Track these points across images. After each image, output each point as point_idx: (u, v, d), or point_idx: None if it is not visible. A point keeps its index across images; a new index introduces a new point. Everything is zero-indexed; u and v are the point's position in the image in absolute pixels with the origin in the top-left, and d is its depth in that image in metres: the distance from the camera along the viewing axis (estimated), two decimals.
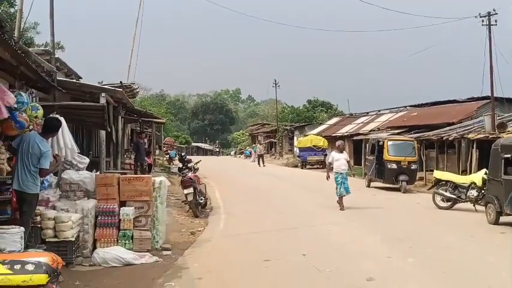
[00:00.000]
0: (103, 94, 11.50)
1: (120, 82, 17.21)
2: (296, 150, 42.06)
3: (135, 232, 8.74)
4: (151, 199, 9.02)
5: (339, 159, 14.69)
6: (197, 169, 16.13)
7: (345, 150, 16.32)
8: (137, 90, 21.86)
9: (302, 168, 36.20)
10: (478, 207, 13.68)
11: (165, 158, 37.38)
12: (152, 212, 9.02)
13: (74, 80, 14.07)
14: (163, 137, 44.71)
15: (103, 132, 12.43)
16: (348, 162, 14.87)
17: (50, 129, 7.58)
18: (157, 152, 35.65)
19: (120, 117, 16.10)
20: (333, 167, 14.82)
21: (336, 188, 14.53)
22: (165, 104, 70.97)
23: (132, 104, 19.50)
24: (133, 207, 8.81)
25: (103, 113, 10.61)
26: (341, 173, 14.51)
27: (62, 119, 8.67)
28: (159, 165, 29.60)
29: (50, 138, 8.25)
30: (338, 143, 15.77)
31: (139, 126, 27.53)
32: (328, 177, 15.05)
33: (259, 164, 38.54)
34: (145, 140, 33.25)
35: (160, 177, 10.13)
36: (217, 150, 73.91)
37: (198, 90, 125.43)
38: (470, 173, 18.51)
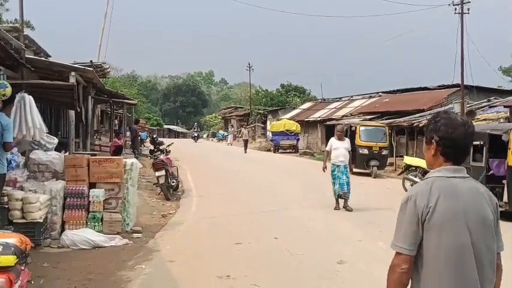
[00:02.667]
0: (73, 73, 11.17)
1: (91, 61, 16.80)
2: (269, 134, 42.07)
3: (105, 214, 8.61)
4: (122, 181, 8.89)
5: (338, 148, 12.01)
6: (169, 151, 15.98)
7: (347, 137, 13.54)
8: (108, 70, 21.41)
9: (275, 152, 36.29)
10: None
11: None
12: (123, 194, 8.90)
13: (43, 58, 13.69)
14: (134, 118, 44.17)
15: (72, 113, 12.14)
16: (349, 152, 12.22)
17: (6, 101, 7.41)
18: (128, 133, 35.21)
19: (90, 97, 15.74)
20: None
21: (332, 185, 11.99)
22: (137, 85, 70.07)
23: (103, 84, 19.11)
24: (103, 189, 8.67)
25: (72, 93, 10.35)
26: (338, 165, 11.89)
27: (31, 98, 8.43)
28: (130, 147, 29.20)
29: (18, 118, 8.04)
30: (338, 127, 12.93)
31: (110, 107, 27.08)
32: (324, 168, 12.46)
33: (245, 150, 35.55)
34: (116, 122, 32.91)
35: (132, 159, 9.99)
36: (196, 134, 55.94)
37: (170, 71, 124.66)
38: None
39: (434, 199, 2.36)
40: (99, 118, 32.47)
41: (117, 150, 17.64)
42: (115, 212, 8.74)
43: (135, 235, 8.76)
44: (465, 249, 2.33)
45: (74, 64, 12.70)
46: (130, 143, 22.43)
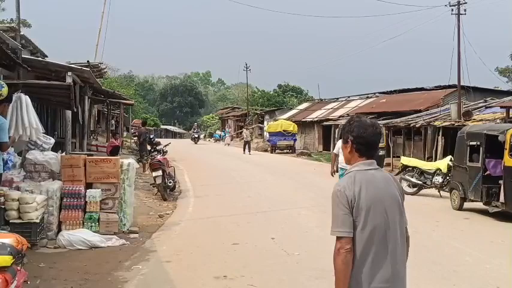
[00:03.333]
0: (69, 73, 11.17)
1: (88, 61, 16.82)
2: (266, 134, 42.05)
3: (101, 215, 8.60)
4: (119, 181, 8.88)
5: None
6: (166, 152, 15.97)
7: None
8: (105, 70, 21.43)
9: (272, 152, 36.27)
10: (442, 193, 13.98)
11: (133, 140, 36.90)
12: (120, 195, 8.89)
13: (40, 58, 13.67)
14: (131, 118, 44.13)
15: (69, 113, 12.12)
16: None
17: (2, 101, 7.42)
18: (125, 134, 35.16)
19: (86, 97, 15.75)
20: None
21: None
22: (134, 85, 69.95)
23: (100, 84, 19.11)
24: (100, 190, 8.66)
25: (69, 93, 10.35)
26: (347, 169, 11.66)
27: (27, 98, 8.42)
28: (127, 148, 29.16)
29: (15, 118, 8.03)
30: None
31: (107, 107, 27.05)
32: (333, 172, 11.70)
33: (244, 151, 34.03)
34: (113, 122, 32.87)
35: (129, 159, 9.98)
36: (196, 135, 49.63)
37: (167, 72, 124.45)
38: (435, 159, 18.87)
39: (358, 189, 2.87)
40: (96, 118, 32.44)
41: (114, 151, 17.62)
42: (112, 212, 8.74)
43: (131, 235, 8.76)
44: (385, 226, 2.88)
45: (70, 64, 12.70)
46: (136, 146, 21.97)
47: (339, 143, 10.98)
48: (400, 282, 2.96)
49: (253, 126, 50.82)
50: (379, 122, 24.56)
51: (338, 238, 2.84)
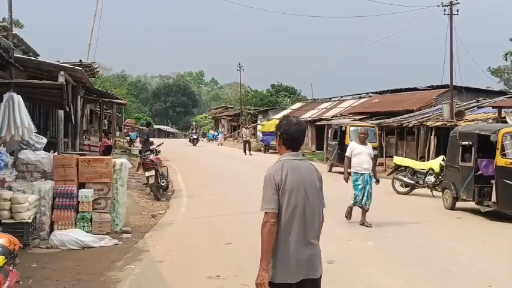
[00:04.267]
0: (62, 72, 11.08)
1: (80, 61, 16.72)
2: (259, 134, 42.01)
3: (94, 214, 8.58)
4: (112, 181, 8.86)
5: (361, 154, 10.18)
6: (159, 151, 15.92)
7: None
8: (97, 69, 21.29)
9: (265, 152, 36.23)
10: (435, 192, 14.04)
11: (125, 140, 36.81)
12: (112, 195, 8.87)
13: (32, 58, 13.58)
14: (124, 118, 44.01)
15: (61, 112, 12.04)
16: (372, 158, 10.36)
17: None
18: (117, 133, 35.05)
19: (79, 97, 15.66)
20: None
21: (354, 194, 10.19)
22: (127, 84, 69.71)
23: (92, 84, 19.02)
24: (92, 189, 8.64)
25: (61, 92, 10.29)
26: (362, 174, 10.11)
27: (19, 97, 8.37)
28: (120, 147, 29.08)
29: (7, 118, 7.98)
30: (362, 130, 11.37)
31: (99, 107, 26.94)
32: (347, 178, 10.56)
33: (245, 151, 32.90)
34: (106, 121, 32.76)
35: (121, 159, 9.95)
36: (195, 137, 43.19)
37: (160, 71, 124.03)
38: (428, 159, 18.93)
39: (285, 174, 3.52)
40: (89, 118, 32.27)
41: (107, 150, 17.55)
42: (104, 212, 8.71)
43: (124, 235, 8.74)
44: (304, 205, 3.54)
45: (63, 63, 12.63)
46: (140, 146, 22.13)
47: (352, 144, 10.49)
48: (315, 250, 3.63)
49: (252, 125, 47.81)
50: (372, 122, 24.75)
51: (266, 213, 3.53)
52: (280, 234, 3.53)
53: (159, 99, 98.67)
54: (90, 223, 8.50)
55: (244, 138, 34.75)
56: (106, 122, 33.02)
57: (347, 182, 10.43)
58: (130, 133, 41.94)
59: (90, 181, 8.72)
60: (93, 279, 6.36)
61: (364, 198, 10.04)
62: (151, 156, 14.31)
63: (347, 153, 10.49)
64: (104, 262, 7.12)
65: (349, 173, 10.44)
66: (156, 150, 15.63)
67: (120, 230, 8.97)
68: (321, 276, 3.67)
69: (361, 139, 10.45)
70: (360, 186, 10.04)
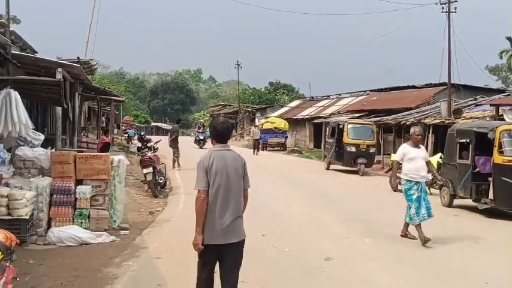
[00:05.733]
0: (59, 69, 11.05)
1: (78, 58, 16.68)
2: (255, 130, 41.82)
3: (91, 211, 8.57)
4: (109, 178, 8.85)
5: (416, 158, 8.68)
6: (157, 149, 15.91)
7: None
8: (95, 66, 21.28)
9: (263, 150, 36.21)
10: (432, 190, 14.05)
11: (123, 137, 36.78)
12: (110, 191, 8.86)
13: (29, 54, 13.54)
14: (122, 115, 43.95)
15: (59, 109, 12.02)
16: (427, 163, 8.91)
17: None
18: (115, 130, 35.01)
19: (77, 94, 15.62)
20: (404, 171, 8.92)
21: (408, 208, 8.69)
22: (125, 82, 69.66)
23: (90, 81, 18.98)
24: (90, 186, 8.63)
25: (59, 89, 10.25)
26: (418, 182, 8.61)
27: (16, 94, 8.35)
28: (118, 144, 29.04)
29: (4, 114, 7.96)
30: (416, 129, 9.09)
31: (97, 104, 26.91)
32: (396, 187, 9.38)
33: (254, 151, 30.75)
34: (104, 119, 32.72)
35: (119, 156, 9.93)
36: (202, 137, 35.09)
37: (158, 69, 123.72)
38: None
39: (211, 161, 4.51)
40: (87, 115, 32.22)
41: (105, 148, 17.52)
42: (102, 209, 8.70)
43: (122, 232, 8.73)
44: (226, 185, 4.49)
45: (61, 60, 12.60)
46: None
47: (405, 148, 8.91)
48: (238, 222, 4.56)
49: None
50: (369, 119, 24.77)
51: (198, 191, 4.47)
52: (208, 207, 4.46)
53: (157, 96, 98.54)
54: (87, 220, 8.50)
55: (253, 138, 32.50)
56: (104, 119, 32.99)
57: (395, 190, 9.19)
58: (128, 130, 41.93)
59: (87, 178, 8.71)
60: (91, 276, 6.35)
61: (423, 210, 8.48)
62: (149, 154, 14.31)
63: (397, 157, 9.06)
64: (101, 258, 7.11)
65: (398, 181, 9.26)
66: (153, 147, 15.63)
67: (118, 226, 8.96)
68: (243, 240, 4.62)
69: (415, 141, 8.84)
70: (414, 197, 8.54)
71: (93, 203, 8.64)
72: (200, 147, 34.39)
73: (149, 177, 13.16)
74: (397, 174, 9.34)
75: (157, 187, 13.50)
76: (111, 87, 37.57)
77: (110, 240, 8.10)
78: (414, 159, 8.64)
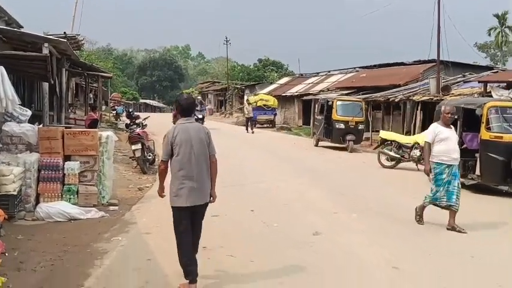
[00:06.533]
0: (46, 44, 10.93)
1: (64, 33, 16.47)
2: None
3: (80, 187, 8.56)
4: (98, 154, 8.82)
5: (448, 139, 7.91)
6: (145, 125, 15.84)
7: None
8: (82, 42, 21.00)
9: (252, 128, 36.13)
10: (420, 166, 14.17)
11: (111, 114, 36.53)
12: (98, 167, 8.84)
13: (15, 29, 13.33)
14: (110, 92, 43.59)
15: (46, 85, 11.90)
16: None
17: None
18: (103, 107, 34.76)
19: (64, 69, 15.48)
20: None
21: (433, 190, 7.95)
22: (112, 58, 68.90)
23: (77, 57, 18.78)
24: (78, 162, 8.60)
25: (45, 64, 10.13)
26: (450, 165, 7.83)
27: (2, 69, 8.23)
28: (106, 121, 28.86)
29: None
30: (447, 108, 8.15)
31: (85, 80, 26.64)
32: (429, 171, 7.96)
33: (247, 129, 30.17)
34: (91, 95, 32.42)
35: (108, 132, 9.89)
36: (200, 116, 25.72)
37: (146, 45, 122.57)
38: (414, 133, 19.09)
39: (176, 133, 5.07)
40: (74, 91, 31.88)
41: (93, 124, 17.41)
42: (91, 185, 8.70)
43: (111, 208, 8.74)
44: (190, 154, 5.07)
45: (47, 35, 12.43)
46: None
47: (436, 127, 8.04)
48: (202, 184, 5.22)
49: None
50: (358, 96, 24.78)
51: (161, 161, 5.23)
52: (176, 173, 5.11)
53: (145, 73, 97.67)
54: (76, 195, 8.49)
55: (246, 115, 31.46)
56: (92, 95, 32.69)
57: (429, 175, 8.00)
58: (116, 107, 41.63)
59: (76, 154, 8.67)
60: (80, 251, 6.37)
61: (454, 197, 7.78)
62: (138, 130, 14.25)
63: (428, 139, 8.00)
64: (90, 234, 7.13)
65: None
66: (142, 123, 15.57)
67: (107, 202, 8.97)
68: (207, 203, 5.37)
69: (446, 120, 8.02)
70: (444, 181, 7.79)
71: (82, 179, 8.63)
72: None
73: (138, 154, 13.13)
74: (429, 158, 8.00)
75: (146, 163, 13.48)
76: (99, 64, 37.18)
77: (99, 216, 8.12)
78: (446, 139, 7.84)
